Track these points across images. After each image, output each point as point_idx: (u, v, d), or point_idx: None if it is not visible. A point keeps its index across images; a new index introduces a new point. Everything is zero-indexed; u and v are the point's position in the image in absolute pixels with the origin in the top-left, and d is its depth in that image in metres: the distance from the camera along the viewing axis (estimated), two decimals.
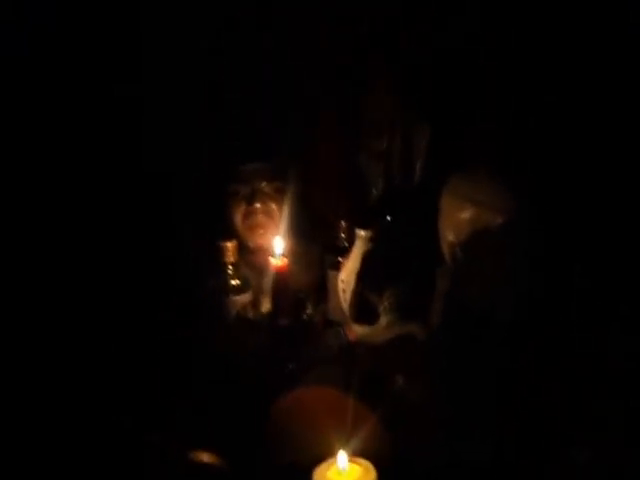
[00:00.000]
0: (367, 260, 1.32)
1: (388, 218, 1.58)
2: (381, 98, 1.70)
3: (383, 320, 1.23)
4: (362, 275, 1.30)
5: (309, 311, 1.41)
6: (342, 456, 0.89)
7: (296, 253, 1.48)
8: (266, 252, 1.44)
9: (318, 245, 1.60)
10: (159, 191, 1.68)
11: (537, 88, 1.62)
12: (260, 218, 1.51)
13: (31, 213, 1.69)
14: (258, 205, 1.50)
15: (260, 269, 1.51)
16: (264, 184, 1.52)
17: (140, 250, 1.62)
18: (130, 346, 1.39)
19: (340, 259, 1.52)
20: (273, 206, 1.52)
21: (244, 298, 1.45)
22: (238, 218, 1.52)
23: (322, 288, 1.56)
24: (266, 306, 1.45)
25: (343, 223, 1.58)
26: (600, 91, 1.53)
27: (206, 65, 1.80)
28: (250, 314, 1.43)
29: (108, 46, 1.76)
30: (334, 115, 1.72)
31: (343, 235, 1.56)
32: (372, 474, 0.88)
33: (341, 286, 1.37)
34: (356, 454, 0.90)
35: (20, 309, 1.58)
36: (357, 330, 1.27)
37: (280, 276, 1.33)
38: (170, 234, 1.62)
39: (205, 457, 1.06)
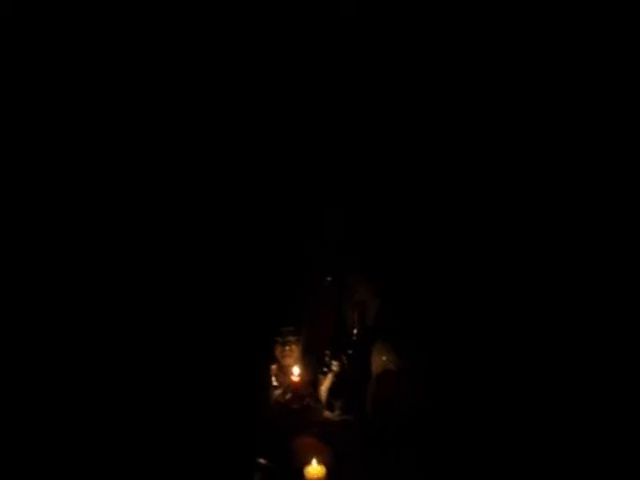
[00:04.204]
0: (333, 382, 3.04)
1: (350, 352, 3.31)
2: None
3: (337, 412, 2.96)
4: (330, 390, 3.02)
5: (307, 400, 3.12)
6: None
7: (303, 368, 3.19)
8: (290, 368, 3.16)
9: (314, 363, 3.32)
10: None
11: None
12: (287, 352, 3.19)
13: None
14: (287, 347, 3.19)
15: (287, 375, 3.20)
16: (290, 337, 3.21)
17: None
18: None
19: (325, 369, 3.24)
20: (294, 347, 3.21)
21: (278, 391, 3.15)
22: (278, 352, 3.20)
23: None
24: (288, 395, 3.14)
25: (327, 352, 3.30)
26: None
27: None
28: (280, 399, 3.13)
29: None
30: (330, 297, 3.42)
31: (327, 358, 3.28)
32: None
33: (322, 391, 3.09)
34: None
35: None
36: (326, 413, 2.99)
37: (295, 386, 3.06)
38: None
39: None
